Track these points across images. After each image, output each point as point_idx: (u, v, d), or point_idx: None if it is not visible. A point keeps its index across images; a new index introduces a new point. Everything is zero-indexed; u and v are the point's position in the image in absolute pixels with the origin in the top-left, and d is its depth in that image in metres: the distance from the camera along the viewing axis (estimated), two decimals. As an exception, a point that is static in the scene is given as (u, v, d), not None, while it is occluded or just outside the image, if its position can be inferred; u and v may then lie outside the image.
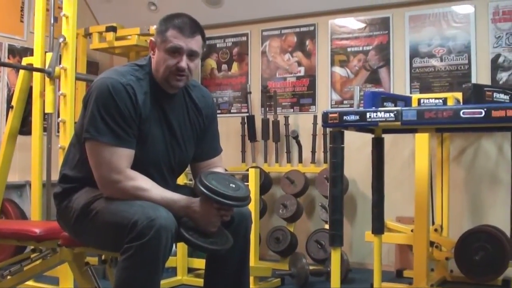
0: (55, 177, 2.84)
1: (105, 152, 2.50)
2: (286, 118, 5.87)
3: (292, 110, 6.06)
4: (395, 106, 3.50)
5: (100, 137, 2.49)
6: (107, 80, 2.55)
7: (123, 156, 2.51)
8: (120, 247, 2.35)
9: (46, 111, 4.46)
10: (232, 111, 6.39)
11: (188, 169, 2.97)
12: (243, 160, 6.04)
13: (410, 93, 5.35)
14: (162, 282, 4.35)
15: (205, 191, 2.47)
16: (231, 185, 2.57)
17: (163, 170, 2.71)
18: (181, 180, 4.43)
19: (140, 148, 2.57)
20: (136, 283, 2.34)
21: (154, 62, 2.66)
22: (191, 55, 2.63)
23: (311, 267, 4.81)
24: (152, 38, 2.68)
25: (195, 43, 2.63)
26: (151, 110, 2.61)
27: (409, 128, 3.52)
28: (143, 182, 2.51)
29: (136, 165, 2.54)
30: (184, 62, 2.60)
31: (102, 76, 2.63)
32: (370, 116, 3.22)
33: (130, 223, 2.31)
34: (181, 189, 2.75)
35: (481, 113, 2.95)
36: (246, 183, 2.96)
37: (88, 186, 2.62)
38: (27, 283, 3.94)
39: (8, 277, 3.31)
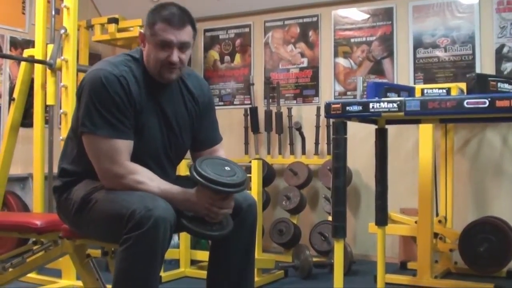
0: (57, 169, 2.82)
1: (103, 145, 2.48)
2: (289, 109, 5.85)
3: (295, 101, 6.03)
4: (399, 96, 3.47)
5: (97, 130, 2.47)
6: (99, 72, 2.52)
7: (122, 148, 2.49)
8: (118, 237, 2.33)
9: (48, 103, 4.45)
10: (235, 103, 6.37)
11: (192, 161, 2.95)
12: (246, 152, 6.02)
13: (414, 84, 5.33)
14: (165, 274, 4.39)
15: (199, 178, 2.43)
16: (226, 168, 2.53)
17: (161, 160, 2.70)
18: (184, 171, 4.41)
19: (137, 140, 2.56)
20: (135, 273, 2.33)
21: (145, 55, 2.63)
22: (182, 47, 2.59)
23: (314, 259, 4.81)
24: (141, 31, 2.65)
25: (185, 34, 2.59)
26: (146, 101, 2.59)
27: (412, 118, 3.49)
28: (143, 176, 2.50)
29: (135, 157, 2.53)
30: (175, 56, 2.57)
31: (94, 67, 2.61)
32: (373, 107, 3.19)
33: (128, 213, 2.30)
34: (182, 181, 2.73)
35: (485, 103, 2.91)
36: (246, 173, 2.88)
37: (87, 179, 2.61)
38: (30, 275, 3.94)
39: (10, 269, 3.30)
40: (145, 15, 2.67)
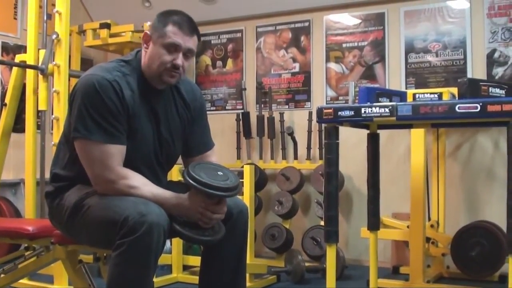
0: (49, 174, 2.82)
1: (96, 150, 2.48)
2: (281, 114, 5.85)
3: (287, 106, 6.04)
4: (390, 101, 3.48)
5: (90, 135, 2.47)
6: (92, 77, 2.52)
7: (115, 153, 2.49)
8: (111, 243, 2.33)
9: (40, 108, 4.44)
10: (227, 107, 6.37)
11: (183, 166, 2.95)
12: (238, 157, 6.02)
13: (406, 88, 5.34)
14: (158, 280, 4.37)
15: (192, 182, 2.43)
16: (219, 173, 2.53)
17: (153, 165, 2.69)
18: (176, 176, 4.41)
19: (129, 144, 2.55)
20: (128, 279, 2.32)
21: (147, 56, 2.63)
22: (187, 53, 2.62)
23: (307, 264, 4.80)
24: (147, 31, 2.65)
25: (193, 43, 2.62)
26: (139, 106, 2.59)
27: (404, 123, 3.50)
28: (135, 181, 2.50)
29: (126, 162, 2.52)
30: (180, 60, 2.58)
31: (87, 73, 2.61)
32: (365, 112, 3.20)
33: (121, 219, 2.29)
34: (174, 185, 2.73)
35: (476, 107, 2.93)
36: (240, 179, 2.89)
37: (80, 184, 2.60)
38: (21, 281, 3.92)
39: (2, 275, 3.29)
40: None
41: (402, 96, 3.71)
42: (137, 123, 2.58)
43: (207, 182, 2.43)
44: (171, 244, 4.73)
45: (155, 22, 2.63)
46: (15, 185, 5.70)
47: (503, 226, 4.57)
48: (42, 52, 4.42)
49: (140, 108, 2.60)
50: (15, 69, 4.61)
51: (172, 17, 2.60)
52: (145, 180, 2.52)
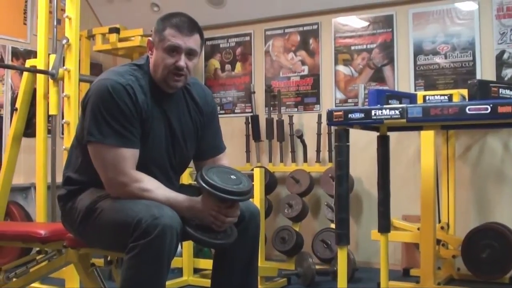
0: (60, 179, 2.84)
1: (109, 154, 2.49)
2: (291, 117, 5.86)
3: (296, 109, 6.04)
4: (400, 103, 3.49)
5: (104, 139, 2.48)
6: (106, 81, 2.53)
7: (128, 157, 2.50)
8: (124, 246, 2.34)
9: (50, 113, 4.46)
10: (236, 111, 6.38)
11: (194, 170, 2.96)
12: (248, 160, 6.03)
13: (415, 90, 5.33)
14: (168, 283, 4.38)
15: (206, 186, 2.45)
16: (232, 176, 2.54)
17: (166, 169, 2.71)
18: (187, 180, 4.42)
19: (142, 148, 2.56)
20: (141, 282, 2.34)
21: (152, 62, 2.65)
22: (190, 54, 2.62)
23: (317, 267, 4.80)
24: (150, 38, 2.68)
25: (193, 42, 2.62)
26: (151, 110, 2.60)
27: (414, 125, 3.51)
28: (148, 184, 2.51)
29: (139, 165, 2.53)
30: (182, 61, 2.60)
31: (100, 77, 2.62)
32: (375, 114, 3.21)
33: (134, 221, 2.31)
34: (186, 189, 2.74)
35: (487, 109, 2.93)
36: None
37: (92, 187, 2.61)
38: (33, 285, 3.93)
39: (14, 279, 3.30)
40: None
41: (412, 98, 3.72)
42: (150, 127, 2.60)
43: (221, 186, 2.44)
44: (182, 247, 4.74)
45: (155, 27, 2.65)
46: (26, 189, 5.72)
47: (514, 228, 4.60)
48: (52, 57, 4.43)
49: (153, 112, 2.61)
50: (25, 74, 4.63)
51: (170, 20, 2.61)
52: (158, 183, 2.53)
